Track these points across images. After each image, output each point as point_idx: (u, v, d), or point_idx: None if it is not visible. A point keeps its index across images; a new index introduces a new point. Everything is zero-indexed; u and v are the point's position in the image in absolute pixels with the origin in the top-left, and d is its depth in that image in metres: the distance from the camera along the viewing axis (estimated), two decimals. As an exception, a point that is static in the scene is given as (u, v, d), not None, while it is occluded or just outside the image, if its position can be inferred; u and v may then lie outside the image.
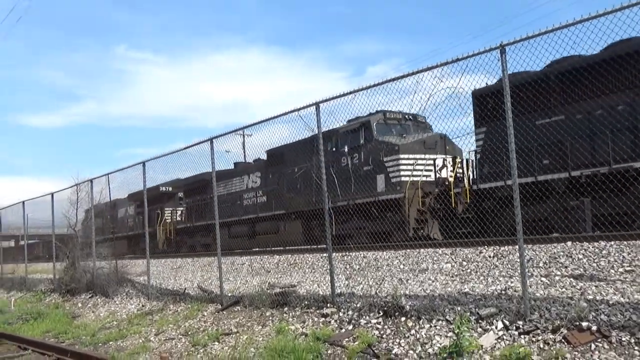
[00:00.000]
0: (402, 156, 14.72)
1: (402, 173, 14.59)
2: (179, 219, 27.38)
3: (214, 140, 10.87)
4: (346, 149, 16.10)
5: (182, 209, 27.45)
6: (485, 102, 12.27)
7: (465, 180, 14.25)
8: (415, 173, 14.52)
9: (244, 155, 28.42)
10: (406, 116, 15.98)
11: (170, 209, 27.95)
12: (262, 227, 19.31)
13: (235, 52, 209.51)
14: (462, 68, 6.57)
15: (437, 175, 14.81)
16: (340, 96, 8.32)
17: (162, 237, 27.26)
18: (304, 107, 8.69)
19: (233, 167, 22.70)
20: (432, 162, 14.76)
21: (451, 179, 14.39)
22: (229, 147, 12.14)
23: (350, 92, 8.17)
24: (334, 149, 16.63)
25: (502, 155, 11.80)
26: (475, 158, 13.74)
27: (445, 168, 14.84)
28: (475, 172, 13.91)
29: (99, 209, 30.86)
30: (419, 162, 14.71)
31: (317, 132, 8.66)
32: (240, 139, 36.84)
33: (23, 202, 20.53)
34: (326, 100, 8.41)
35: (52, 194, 18.07)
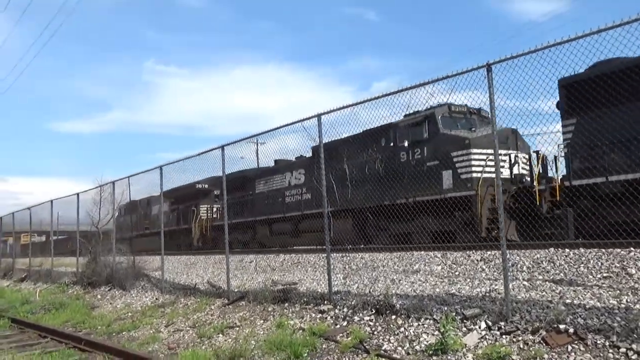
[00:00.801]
0: (473, 151, 12.79)
1: (473, 169, 12.68)
2: (214, 215, 25.55)
3: (225, 147, 10.85)
4: (406, 144, 14.20)
5: (218, 205, 25.40)
6: (574, 92, 10.67)
7: (555, 177, 12.06)
8: (487, 169, 12.46)
9: (257, 162, 28.41)
10: (471, 110, 14.14)
11: (206, 206, 26.18)
12: (307, 225, 17.05)
13: (252, 67, 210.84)
14: (456, 84, 6.51)
15: (512, 171, 12.86)
16: (340, 108, 8.27)
17: (197, 233, 25.71)
18: (306, 119, 8.65)
19: (274, 164, 20.42)
20: (506, 158, 12.78)
21: (525, 174, 12.85)
22: (243, 153, 12.12)
23: (350, 105, 8.13)
24: (391, 144, 14.79)
25: (598, 148, 10.24)
26: (565, 152, 11.52)
27: (517, 165, 13.08)
28: (552, 168, 12.05)
29: (134, 205, 30.60)
30: (490, 157, 12.21)
31: (319, 142, 8.60)
32: (254, 147, 37.04)
33: (51, 201, 20.57)
34: (327, 112, 8.36)
35: (78, 194, 18.08)
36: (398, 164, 14.22)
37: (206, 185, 25.89)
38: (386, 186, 14.11)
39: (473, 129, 13.74)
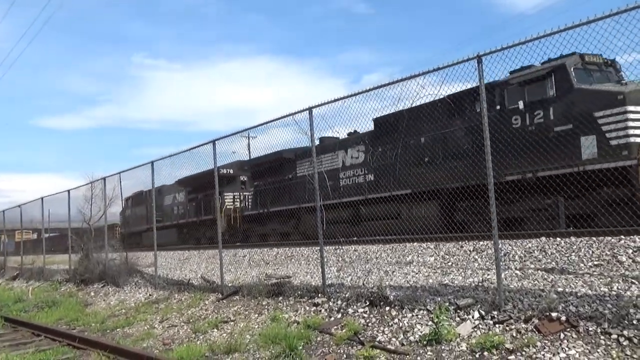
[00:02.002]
0: (630, 108, 9.81)
1: (630, 132, 9.83)
2: (243, 204, 22.98)
3: (216, 142, 10.81)
4: (521, 106, 11.37)
5: (249, 193, 22.83)
6: None
7: None
8: None
9: (249, 156, 27.16)
10: (606, 61, 11.41)
11: (232, 193, 23.49)
12: (371, 211, 14.06)
13: (244, 60, 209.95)
14: (447, 76, 6.52)
15: None
16: (331, 102, 8.25)
17: (224, 225, 22.63)
18: (297, 112, 8.62)
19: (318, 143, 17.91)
20: None
21: None
22: (235, 148, 12.03)
23: (340, 98, 8.11)
24: (497, 107, 11.79)
25: None
26: None
27: None
28: None
29: (142, 197, 28.22)
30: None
31: (309, 135, 8.58)
32: (245, 141, 36.52)
33: (42, 199, 20.44)
34: (318, 106, 8.34)
35: (69, 191, 17.98)
36: (509, 131, 11.05)
37: (231, 171, 23.32)
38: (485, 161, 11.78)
39: (623, 81, 10.87)
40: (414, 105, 8.61)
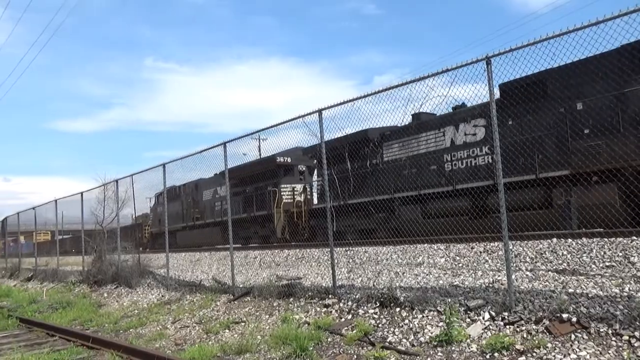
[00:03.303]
0: None
1: None
2: (308, 196, 19.40)
3: (227, 144, 10.88)
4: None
5: (316, 182, 19.24)
6: None
7: None
8: None
9: (260, 157, 26.33)
10: None
11: (290, 185, 20.50)
12: (512, 200, 10.20)
13: (254, 63, 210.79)
14: (456, 77, 6.52)
15: None
16: (341, 103, 8.26)
17: (282, 221, 19.73)
18: (307, 114, 8.65)
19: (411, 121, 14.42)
20: None
21: None
22: (245, 150, 11.97)
23: (350, 100, 8.12)
24: None
25: None
26: None
27: None
28: None
29: (175, 192, 26.47)
30: None
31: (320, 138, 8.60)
32: (256, 143, 36.27)
33: (56, 201, 20.67)
34: (328, 108, 8.36)
35: (82, 193, 18.16)
36: None
37: (289, 159, 20.46)
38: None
39: None
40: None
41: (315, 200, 18.68)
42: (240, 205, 22.01)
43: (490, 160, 12.36)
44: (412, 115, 13.88)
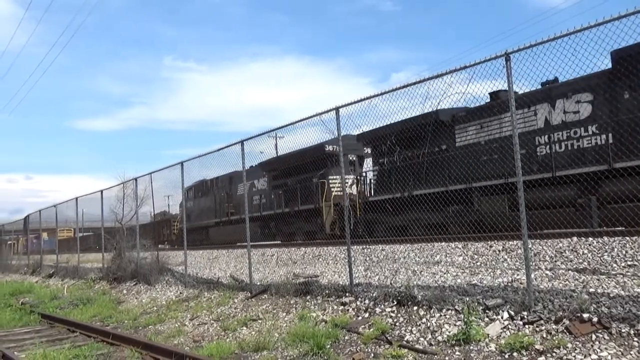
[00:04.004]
0: None
1: None
2: (361, 188, 17.49)
3: (244, 142, 10.93)
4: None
5: (370, 172, 17.16)
6: None
7: None
8: None
9: (277, 155, 26.08)
10: None
11: (339, 177, 18.00)
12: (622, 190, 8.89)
13: (271, 61, 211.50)
14: (474, 74, 6.46)
15: None
16: (358, 101, 8.25)
17: (332, 216, 17.85)
18: (324, 112, 8.66)
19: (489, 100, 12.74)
20: None
21: None
22: (263, 148, 11.92)
23: (367, 98, 8.11)
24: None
25: None
26: None
27: None
28: None
29: (208, 187, 25.13)
30: None
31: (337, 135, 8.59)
32: (272, 141, 36.19)
33: (76, 199, 20.96)
34: (345, 105, 8.35)
35: (102, 191, 18.39)
36: None
37: (338, 148, 19.46)
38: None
39: None
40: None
41: (371, 192, 16.88)
42: (282, 198, 20.31)
43: (600, 142, 10.54)
44: (491, 94, 12.46)
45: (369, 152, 18.02)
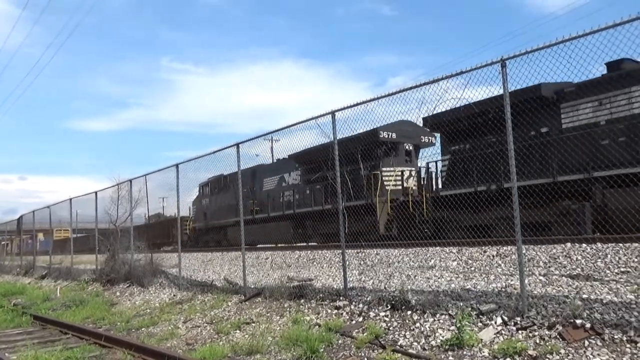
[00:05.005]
0: None
1: None
2: (422, 182, 15.07)
3: (240, 145, 10.92)
4: None
5: (440, 162, 14.55)
6: None
7: None
8: None
9: (272, 158, 25.35)
10: None
11: (393, 168, 16.20)
12: None
13: (269, 63, 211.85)
14: (470, 79, 6.48)
15: None
16: (354, 105, 8.27)
17: (389, 214, 15.38)
18: (320, 116, 8.67)
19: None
20: None
21: None
22: (258, 151, 11.82)
23: (363, 102, 8.13)
24: None
25: None
26: None
27: None
28: None
29: (226, 182, 22.27)
30: None
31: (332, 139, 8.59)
32: (268, 144, 35.95)
33: (70, 200, 20.88)
34: (341, 109, 8.37)
35: (96, 193, 18.33)
36: None
37: (394, 135, 16.25)
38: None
39: None
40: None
41: (434, 185, 14.59)
42: (322, 194, 17.69)
43: None
44: (607, 64, 10.33)
45: (423, 140, 16.51)
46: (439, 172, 14.59)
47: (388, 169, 16.29)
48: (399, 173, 16.24)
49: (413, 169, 16.41)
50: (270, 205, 20.69)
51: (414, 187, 15.74)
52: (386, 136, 15.97)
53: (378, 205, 15.35)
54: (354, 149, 15.08)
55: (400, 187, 16.05)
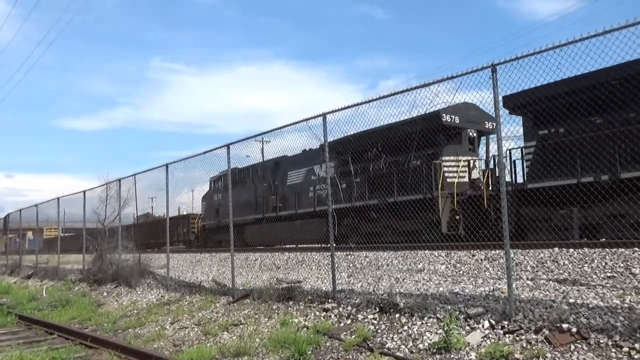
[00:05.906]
0: None
1: None
2: (495, 174, 13.12)
3: (230, 145, 10.90)
4: None
5: (527, 148, 12.16)
6: None
7: None
8: None
9: (263, 159, 24.63)
10: None
11: (454, 158, 14.29)
12: None
13: (261, 64, 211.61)
14: (461, 84, 6.52)
15: None
16: (345, 108, 8.28)
17: (455, 210, 13.43)
18: (311, 118, 8.67)
19: None
20: None
21: None
22: (249, 152, 11.76)
23: (354, 105, 8.14)
24: None
25: None
26: None
27: None
28: None
29: (240, 176, 20.10)
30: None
31: (323, 141, 8.59)
32: (259, 145, 36.01)
33: (58, 199, 20.73)
34: (332, 112, 8.38)
35: (84, 192, 18.20)
36: None
37: (457, 119, 14.22)
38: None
39: None
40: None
41: (519, 177, 12.48)
42: (365, 187, 15.61)
43: None
44: None
45: (487, 127, 14.49)
46: (516, 161, 12.46)
47: (449, 157, 14.26)
48: (465, 163, 14.20)
49: (475, 158, 14.72)
50: (297, 201, 18.79)
51: (480, 179, 13.90)
52: (449, 120, 13.94)
53: (440, 200, 13.30)
54: (408, 135, 13.25)
55: (466, 180, 14.11)
